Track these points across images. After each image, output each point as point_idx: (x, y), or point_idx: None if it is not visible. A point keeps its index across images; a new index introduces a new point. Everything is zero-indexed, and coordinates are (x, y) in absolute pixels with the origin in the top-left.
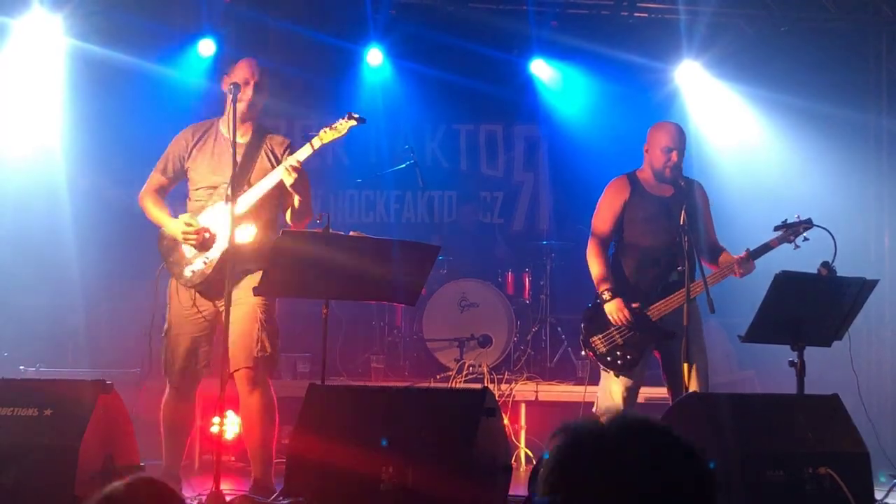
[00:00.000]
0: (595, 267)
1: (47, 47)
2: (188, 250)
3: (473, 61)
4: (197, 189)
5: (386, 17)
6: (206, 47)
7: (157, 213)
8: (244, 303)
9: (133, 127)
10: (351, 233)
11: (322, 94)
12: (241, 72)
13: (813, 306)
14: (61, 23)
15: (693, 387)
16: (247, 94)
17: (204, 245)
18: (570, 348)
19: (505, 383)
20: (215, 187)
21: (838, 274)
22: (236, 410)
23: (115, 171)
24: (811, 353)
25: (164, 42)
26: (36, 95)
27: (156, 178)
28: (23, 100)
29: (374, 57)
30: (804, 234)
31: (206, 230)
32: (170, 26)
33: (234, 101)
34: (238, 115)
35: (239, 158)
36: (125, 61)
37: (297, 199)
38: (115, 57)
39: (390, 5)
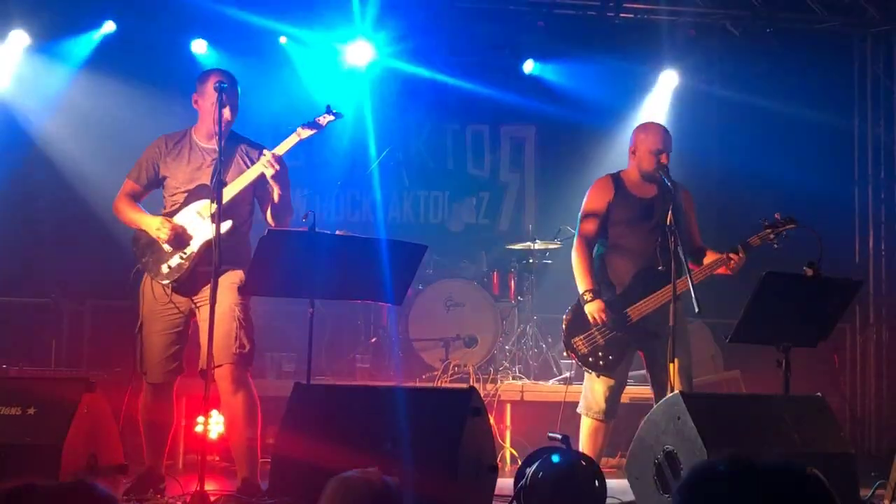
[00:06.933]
0: (577, 268)
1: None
2: (167, 246)
3: (461, 61)
4: (173, 195)
5: (374, 15)
6: None
7: (132, 214)
8: (221, 301)
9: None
10: (337, 232)
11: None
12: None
13: (799, 306)
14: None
15: (677, 386)
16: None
17: (180, 242)
18: (555, 349)
19: (490, 383)
20: (191, 191)
21: (824, 275)
22: (220, 410)
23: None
24: (796, 353)
25: None
26: None
27: (129, 185)
28: None
29: (363, 55)
30: (784, 233)
31: (183, 227)
32: None
33: (220, 106)
34: (212, 124)
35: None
36: None
37: (276, 193)
38: None
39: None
